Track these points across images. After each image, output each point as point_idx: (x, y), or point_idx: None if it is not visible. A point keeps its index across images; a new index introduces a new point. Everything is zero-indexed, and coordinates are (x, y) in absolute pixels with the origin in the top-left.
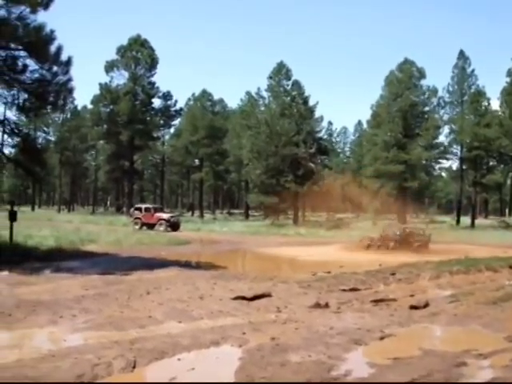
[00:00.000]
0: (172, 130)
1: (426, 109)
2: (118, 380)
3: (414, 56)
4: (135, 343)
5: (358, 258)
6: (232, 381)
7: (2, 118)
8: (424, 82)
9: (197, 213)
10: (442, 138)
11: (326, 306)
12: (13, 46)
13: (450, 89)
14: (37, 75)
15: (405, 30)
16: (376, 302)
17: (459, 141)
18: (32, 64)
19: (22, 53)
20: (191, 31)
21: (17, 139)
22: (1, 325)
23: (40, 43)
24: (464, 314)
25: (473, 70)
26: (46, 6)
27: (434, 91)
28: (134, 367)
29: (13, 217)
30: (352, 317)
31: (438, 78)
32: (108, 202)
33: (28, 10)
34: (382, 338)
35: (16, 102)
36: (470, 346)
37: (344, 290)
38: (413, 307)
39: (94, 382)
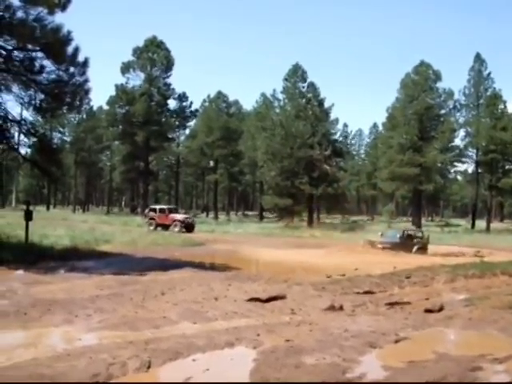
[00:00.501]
0: (187, 132)
1: (442, 111)
2: (133, 380)
3: (430, 58)
4: (150, 343)
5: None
6: (247, 382)
7: (18, 118)
8: (440, 85)
9: (211, 214)
10: (457, 141)
11: (341, 308)
12: (30, 47)
13: (466, 91)
14: (54, 76)
15: (421, 33)
16: (391, 305)
17: (475, 144)
18: (49, 65)
19: (40, 54)
20: (206, 32)
21: (33, 139)
22: (16, 324)
23: (57, 44)
24: (479, 318)
25: (489, 73)
26: (64, 7)
27: (450, 94)
28: (148, 367)
29: (28, 216)
30: (366, 320)
31: (455, 80)
32: (123, 203)
33: (45, 11)
34: (396, 342)
35: (33, 102)
36: (485, 350)
37: (358, 293)
38: (428, 311)
39: (109, 382)
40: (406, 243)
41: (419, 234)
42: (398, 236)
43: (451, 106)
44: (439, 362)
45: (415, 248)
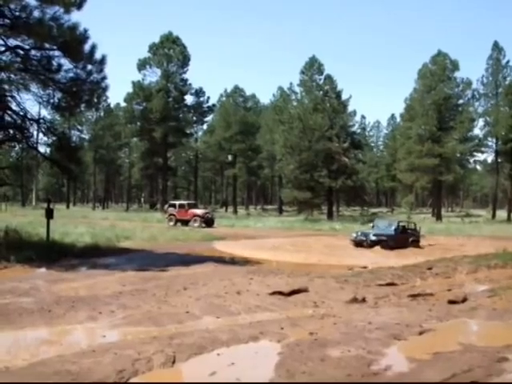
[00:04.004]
0: (205, 127)
1: (460, 101)
2: (159, 375)
3: (447, 48)
4: (174, 338)
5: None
6: (273, 375)
7: (37, 117)
8: (458, 74)
9: (230, 209)
10: (476, 131)
11: (364, 300)
12: (48, 46)
13: (485, 81)
14: (71, 74)
15: (438, 22)
16: (413, 296)
17: (494, 133)
18: (66, 63)
19: (57, 52)
20: (222, 27)
21: (52, 138)
22: (41, 321)
23: (74, 43)
24: (503, 309)
25: (507, 61)
26: (80, 6)
27: (468, 83)
28: (173, 362)
29: (49, 214)
30: (390, 312)
31: (473, 69)
32: (142, 199)
33: (62, 10)
34: (421, 333)
35: (51, 101)
36: (510, 340)
37: (381, 285)
38: (451, 302)
39: (129, 382)
40: (402, 236)
41: (412, 226)
42: (393, 228)
43: (470, 96)
44: (465, 353)
45: (410, 241)
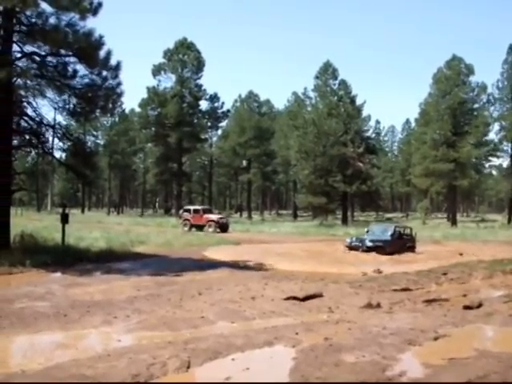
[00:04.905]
0: (219, 132)
1: (475, 106)
2: (174, 380)
3: (462, 52)
4: (189, 343)
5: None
6: (287, 381)
7: (53, 122)
8: (473, 79)
9: (245, 214)
10: (491, 136)
11: (378, 306)
12: (63, 52)
13: (500, 85)
14: (87, 80)
15: (453, 26)
16: (428, 302)
17: (510, 138)
18: (82, 69)
19: (73, 59)
20: (236, 32)
21: (68, 143)
22: (57, 325)
23: (89, 49)
24: None
25: None
26: (95, 12)
27: (483, 88)
28: (188, 367)
29: (65, 219)
30: (405, 317)
31: (487, 74)
32: (157, 204)
33: (77, 16)
34: (436, 339)
35: (67, 106)
36: None
37: (395, 290)
38: (466, 307)
39: (149, 382)
40: (398, 242)
41: (407, 231)
42: (390, 234)
43: (485, 100)
44: (480, 359)
45: (406, 246)
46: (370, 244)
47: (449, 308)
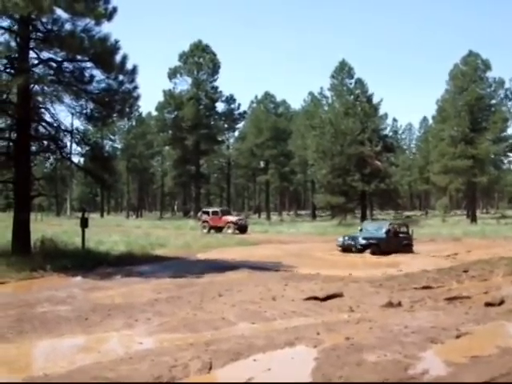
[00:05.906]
0: (236, 134)
1: (493, 101)
2: (196, 381)
3: (478, 48)
4: (210, 345)
5: None
6: (309, 381)
7: (70, 128)
8: (490, 74)
9: (263, 215)
10: (510, 131)
11: (399, 304)
12: (79, 57)
13: None
14: (103, 85)
15: (469, 22)
16: (450, 299)
17: None
18: (98, 74)
19: (89, 64)
20: (251, 33)
21: (86, 148)
22: (78, 328)
23: (105, 54)
24: None
25: None
26: (110, 17)
27: (501, 83)
28: (210, 368)
29: (84, 223)
30: (426, 315)
31: (505, 69)
32: (175, 207)
33: (92, 22)
34: (458, 337)
35: (84, 111)
36: None
37: (416, 289)
38: (488, 304)
39: (171, 382)
40: (394, 240)
41: (404, 229)
42: (384, 231)
43: (502, 96)
44: (503, 356)
45: (403, 244)
46: (363, 242)
47: (470, 305)
